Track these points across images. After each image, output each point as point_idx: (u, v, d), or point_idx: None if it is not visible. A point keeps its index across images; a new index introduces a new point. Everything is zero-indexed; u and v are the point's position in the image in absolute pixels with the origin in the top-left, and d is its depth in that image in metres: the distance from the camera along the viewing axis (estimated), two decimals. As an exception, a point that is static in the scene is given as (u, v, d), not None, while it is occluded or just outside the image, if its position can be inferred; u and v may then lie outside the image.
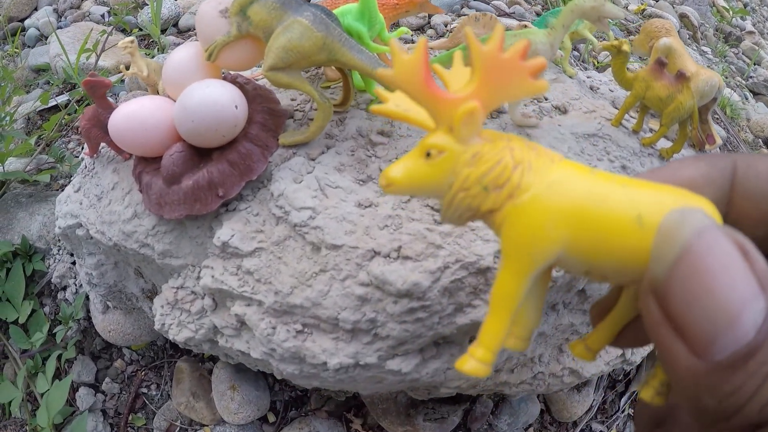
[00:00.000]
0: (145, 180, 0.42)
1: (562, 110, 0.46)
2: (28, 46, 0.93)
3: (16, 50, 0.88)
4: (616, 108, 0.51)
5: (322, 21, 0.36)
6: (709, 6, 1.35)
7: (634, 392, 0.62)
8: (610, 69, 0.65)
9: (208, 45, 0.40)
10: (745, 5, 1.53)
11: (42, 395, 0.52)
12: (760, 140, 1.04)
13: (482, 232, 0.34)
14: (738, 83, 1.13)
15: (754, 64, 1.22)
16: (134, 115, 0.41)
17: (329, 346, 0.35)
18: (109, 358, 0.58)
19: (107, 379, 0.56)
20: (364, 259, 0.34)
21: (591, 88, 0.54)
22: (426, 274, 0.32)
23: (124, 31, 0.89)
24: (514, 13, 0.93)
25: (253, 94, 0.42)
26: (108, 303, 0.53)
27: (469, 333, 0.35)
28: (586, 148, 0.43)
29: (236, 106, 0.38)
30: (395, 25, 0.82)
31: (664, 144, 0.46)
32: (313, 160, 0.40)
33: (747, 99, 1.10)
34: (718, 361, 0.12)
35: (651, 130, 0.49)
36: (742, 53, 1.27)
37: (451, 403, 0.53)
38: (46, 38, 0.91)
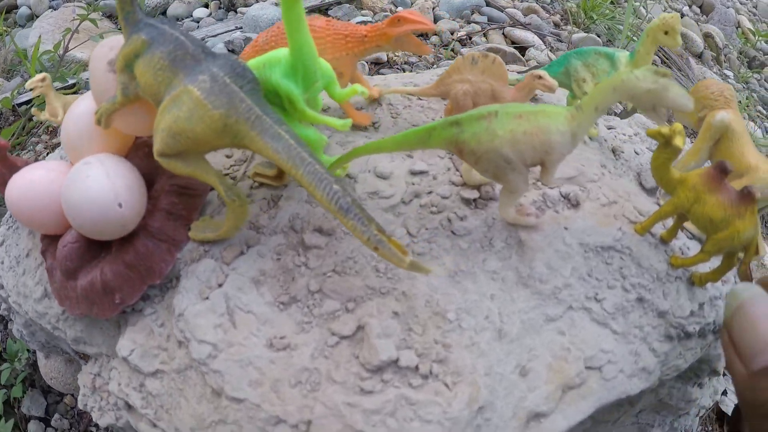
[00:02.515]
0: (48, 263, 0.35)
1: (573, 202, 0.34)
2: (20, 26, 0.88)
3: (6, 30, 0.81)
4: (642, 186, 0.38)
5: (223, 89, 0.25)
6: (735, 27, 1.26)
7: None
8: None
9: (99, 105, 0.31)
10: None
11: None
12: None
13: (423, 410, 0.26)
14: (759, 113, 1.03)
15: None
16: (29, 191, 0.33)
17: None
18: (58, 393, 0.58)
19: (57, 415, 0.57)
20: (268, 423, 0.27)
21: (613, 150, 0.41)
22: (336, 471, 0.25)
23: (111, 18, 0.79)
24: (530, 24, 0.76)
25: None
26: (51, 353, 0.51)
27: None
28: (596, 267, 0.31)
29: (120, 205, 0.29)
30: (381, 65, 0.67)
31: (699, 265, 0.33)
32: (227, 264, 0.32)
33: (767, 132, 0.99)
34: (754, 370, 0.23)
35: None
36: (765, 80, 1.19)
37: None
38: (37, 18, 0.86)
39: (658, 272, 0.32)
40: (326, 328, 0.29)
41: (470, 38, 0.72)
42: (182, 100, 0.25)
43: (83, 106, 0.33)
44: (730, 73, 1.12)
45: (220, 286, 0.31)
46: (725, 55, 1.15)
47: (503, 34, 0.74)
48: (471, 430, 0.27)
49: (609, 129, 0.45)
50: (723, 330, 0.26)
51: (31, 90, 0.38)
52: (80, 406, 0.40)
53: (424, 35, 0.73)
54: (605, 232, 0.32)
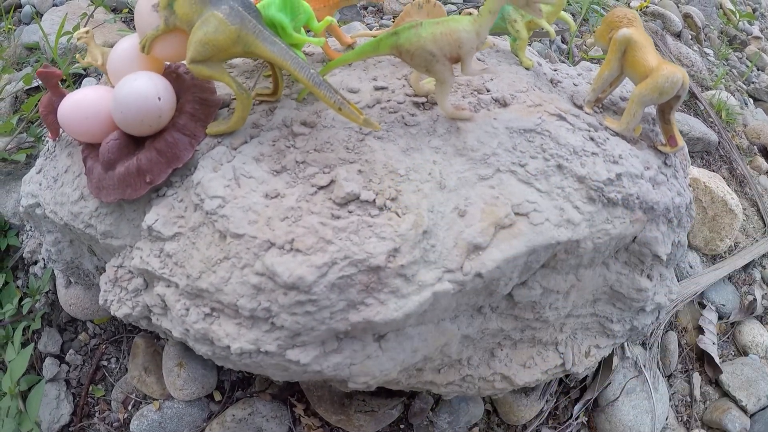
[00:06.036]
0: (89, 164, 0.45)
1: (502, 103, 0.44)
2: (24, 24, 0.94)
3: (12, 27, 0.89)
4: (574, 104, 0.48)
5: (237, 14, 0.37)
6: (716, 8, 1.31)
7: (588, 400, 0.60)
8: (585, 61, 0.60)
9: (142, 37, 0.42)
10: (754, 10, 1.49)
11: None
12: (755, 147, 0.97)
13: (379, 229, 0.34)
14: (738, 87, 1.11)
15: (758, 70, 1.21)
16: (78, 104, 0.44)
17: (232, 331, 0.36)
18: (74, 330, 0.63)
19: (71, 351, 0.62)
20: (261, 249, 0.35)
21: (551, 81, 0.51)
22: (312, 269, 0.33)
23: (116, 11, 0.92)
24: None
25: (189, 84, 0.44)
26: (70, 279, 0.58)
27: (369, 330, 0.36)
28: (520, 144, 0.41)
29: (159, 98, 0.40)
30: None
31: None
32: (234, 149, 0.41)
33: (746, 104, 1.07)
34: None
35: (605, 128, 0.46)
36: (746, 58, 1.25)
37: (383, 396, 0.53)
38: (41, 16, 0.92)
39: (575, 147, 0.41)
40: (308, 184, 0.38)
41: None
42: (210, 21, 0.37)
43: (126, 44, 0.45)
44: (710, 51, 1.15)
45: (229, 162, 0.40)
46: (706, 34, 1.19)
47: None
48: (418, 252, 0.35)
49: (554, 70, 0.54)
50: None
51: (78, 39, 0.50)
52: (101, 302, 0.47)
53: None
54: (528, 119, 0.42)
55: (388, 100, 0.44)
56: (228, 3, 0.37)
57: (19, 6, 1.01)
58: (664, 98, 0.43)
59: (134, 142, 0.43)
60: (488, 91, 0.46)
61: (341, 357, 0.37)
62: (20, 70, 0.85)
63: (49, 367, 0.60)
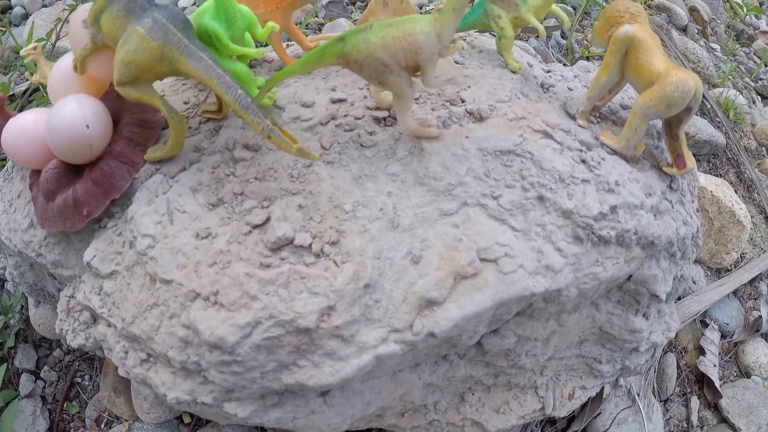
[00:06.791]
0: (34, 192, 0.42)
1: (477, 117, 0.37)
2: (15, 25, 0.91)
3: (2, 29, 0.86)
4: (567, 113, 0.40)
5: (161, 28, 0.32)
6: (723, 1, 1.24)
7: (575, 431, 0.54)
8: (585, 60, 0.51)
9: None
10: (761, 3, 1.40)
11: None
12: (764, 148, 0.86)
13: (312, 282, 0.29)
14: (746, 84, 1.00)
15: (765, 66, 1.11)
16: (20, 129, 0.40)
17: (167, 380, 0.33)
18: (48, 347, 0.62)
19: (46, 367, 0.61)
20: (187, 299, 0.30)
21: (542, 85, 0.43)
22: (233, 329, 0.28)
23: None
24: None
25: (130, 104, 0.39)
26: (38, 299, 0.56)
27: (308, 390, 0.31)
28: (494, 169, 0.34)
29: (87, 126, 0.36)
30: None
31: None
32: (172, 177, 0.36)
33: (754, 102, 0.97)
34: None
35: (602, 145, 0.38)
36: (754, 53, 1.16)
37: (350, 432, 0.49)
38: (27, 18, 0.90)
39: (561, 173, 0.34)
40: (243, 221, 0.33)
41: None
42: (131, 38, 0.32)
43: (65, 63, 0.40)
44: (716, 46, 1.08)
45: (164, 194, 0.35)
46: (712, 29, 1.13)
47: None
48: (358, 309, 0.29)
49: (548, 72, 0.46)
50: None
51: (26, 56, 0.46)
52: (57, 331, 0.45)
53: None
54: (506, 138, 0.35)
55: (345, 115, 0.38)
56: (152, 15, 0.32)
57: (10, 8, 0.99)
58: (673, 111, 0.34)
59: (74, 171, 0.39)
60: (463, 101, 0.38)
61: (282, 411, 0.33)
62: (7, 73, 0.82)
63: (25, 383, 0.60)
